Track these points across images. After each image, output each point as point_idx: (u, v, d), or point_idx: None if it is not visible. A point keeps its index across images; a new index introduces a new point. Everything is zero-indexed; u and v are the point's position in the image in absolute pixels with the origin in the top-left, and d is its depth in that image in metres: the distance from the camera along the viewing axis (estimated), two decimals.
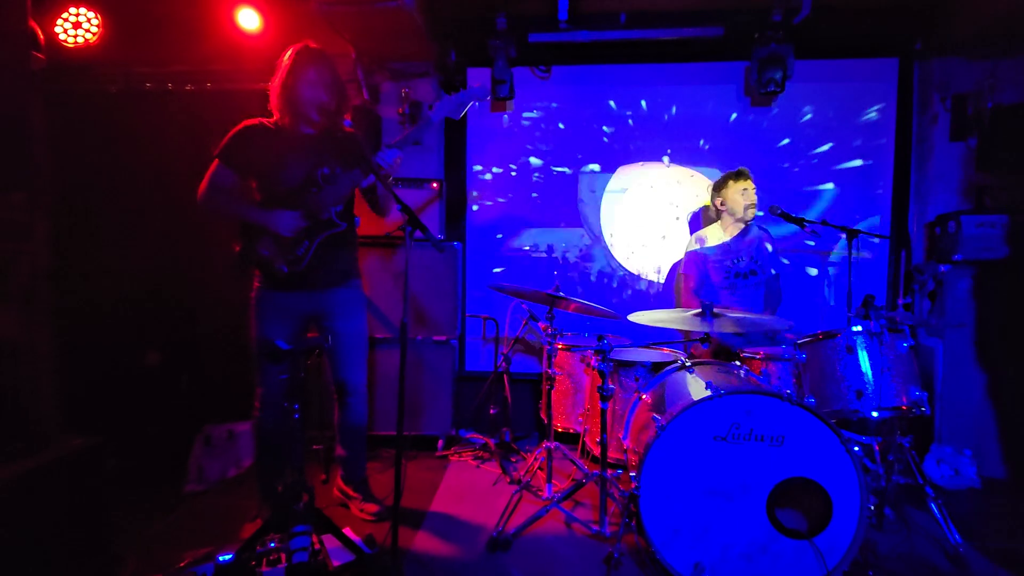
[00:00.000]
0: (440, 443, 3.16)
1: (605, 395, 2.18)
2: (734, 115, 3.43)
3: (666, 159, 3.48)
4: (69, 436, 1.90)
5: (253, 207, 2.13)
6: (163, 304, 3.21)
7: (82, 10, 2.76)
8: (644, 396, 2.32)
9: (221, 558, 1.68)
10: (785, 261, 3.33)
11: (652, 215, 3.50)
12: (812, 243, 3.40)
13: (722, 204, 3.01)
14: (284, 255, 2.10)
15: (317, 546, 1.72)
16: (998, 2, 2.74)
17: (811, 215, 3.21)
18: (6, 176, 1.86)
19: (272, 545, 1.73)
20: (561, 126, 3.54)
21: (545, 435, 2.51)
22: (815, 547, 1.81)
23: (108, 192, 3.24)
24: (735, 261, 3.00)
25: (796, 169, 3.41)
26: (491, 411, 3.18)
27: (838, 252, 3.36)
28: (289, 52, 2.13)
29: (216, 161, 2.13)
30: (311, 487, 1.58)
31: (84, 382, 3.12)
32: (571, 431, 2.96)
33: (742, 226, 3.01)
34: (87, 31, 2.79)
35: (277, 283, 2.14)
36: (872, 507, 2.19)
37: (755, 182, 2.99)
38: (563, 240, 3.56)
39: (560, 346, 2.99)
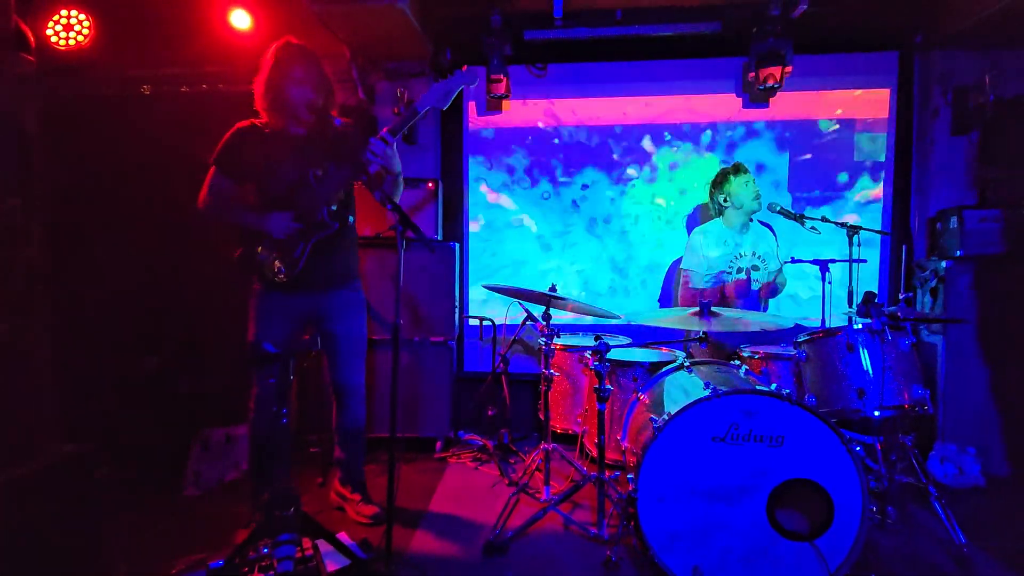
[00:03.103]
0: (438, 445, 3.13)
1: (602, 396, 2.15)
2: (732, 111, 3.40)
3: (667, 156, 3.45)
4: (61, 442, 1.87)
5: (248, 211, 2.13)
6: (161, 307, 3.19)
7: (73, 12, 2.74)
8: (642, 396, 2.29)
9: (212, 564, 1.66)
10: (785, 259, 3.30)
11: (651, 213, 3.48)
12: (811, 240, 3.36)
13: (725, 200, 2.97)
14: (281, 258, 2.10)
15: (309, 552, 1.70)
16: None
17: (811, 212, 3.18)
18: (1, 181, 1.84)
19: (265, 551, 1.71)
20: (558, 124, 3.51)
21: (544, 436, 2.48)
22: (816, 549, 1.78)
23: (105, 195, 3.23)
24: (737, 256, 2.96)
25: (795, 166, 3.37)
26: (489, 412, 3.16)
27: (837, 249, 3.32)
28: (271, 49, 2.10)
29: (213, 168, 2.13)
30: (298, 494, 1.56)
31: (82, 386, 3.11)
32: (570, 432, 2.94)
33: (745, 220, 2.98)
34: (79, 33, 2.77)
35: (277, 285, 2.13)
36: (874, 508, 2.16)
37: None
38: (563, 239, 3.54)
39: (558, 346, 2.97)
